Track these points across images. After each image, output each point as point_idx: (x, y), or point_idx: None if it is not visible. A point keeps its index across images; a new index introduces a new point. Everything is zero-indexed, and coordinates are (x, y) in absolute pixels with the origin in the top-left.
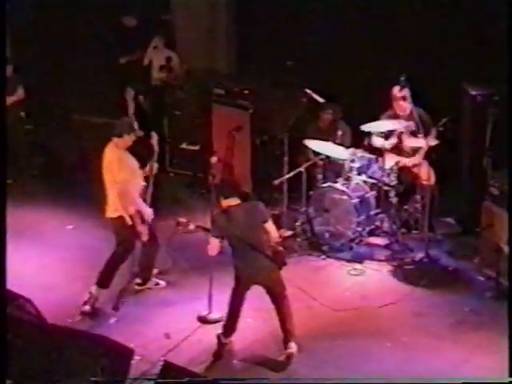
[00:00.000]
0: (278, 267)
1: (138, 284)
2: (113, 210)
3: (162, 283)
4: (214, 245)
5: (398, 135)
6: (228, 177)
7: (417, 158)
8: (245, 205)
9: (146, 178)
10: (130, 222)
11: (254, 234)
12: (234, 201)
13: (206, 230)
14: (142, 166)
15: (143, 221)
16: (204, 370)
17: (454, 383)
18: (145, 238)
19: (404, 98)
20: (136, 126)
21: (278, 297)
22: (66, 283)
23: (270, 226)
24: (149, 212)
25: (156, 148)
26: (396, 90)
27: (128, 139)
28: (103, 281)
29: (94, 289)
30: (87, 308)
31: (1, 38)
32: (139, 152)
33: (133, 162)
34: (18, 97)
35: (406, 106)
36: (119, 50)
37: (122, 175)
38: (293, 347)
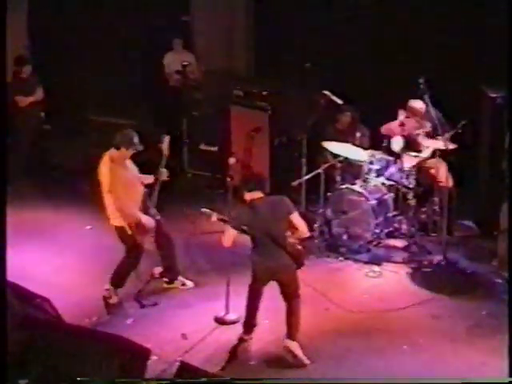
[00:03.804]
0: (296, 266)
1: (167, 282)
2: (114, 218)
3: (189, 283)
4: (229, 235)
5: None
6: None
7: (434, 160)
8: (269, 198)
9: (153, 184)
10: (129, 232)
11: (278, 228)
12: (257, 194)
13: (227, 222)
14: (149, 171)
15: (144, 230)
16: (220, 371)
17: (454, 383)
18: (148, 246)
19: (422, 116)
20: (137, 139)
21: (291, 295)
22: (85, 283)
23: (297, 219)
24: (149, 221)
25: (165, 153)
26: (416, 105)
27: (125, 152)
28: (116, 282)
29: (109, 286)
30: (114, 300)
31: (1, 37)
32: (148, 157)
33: (127, 174)
34: (37, 97)
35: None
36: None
37: (113, 188)
38: (290, 344)
